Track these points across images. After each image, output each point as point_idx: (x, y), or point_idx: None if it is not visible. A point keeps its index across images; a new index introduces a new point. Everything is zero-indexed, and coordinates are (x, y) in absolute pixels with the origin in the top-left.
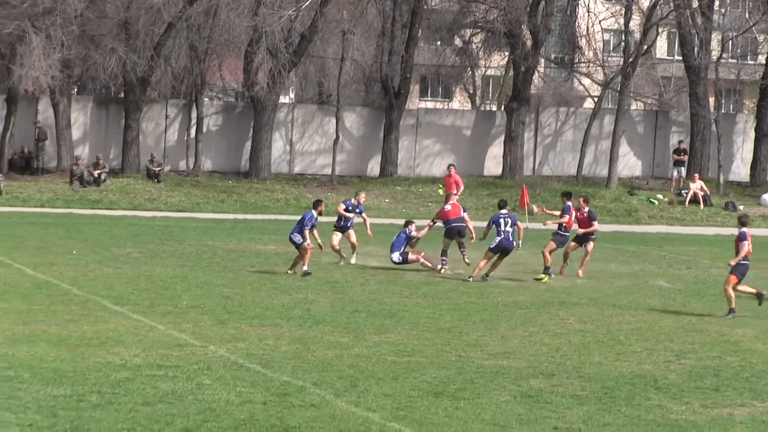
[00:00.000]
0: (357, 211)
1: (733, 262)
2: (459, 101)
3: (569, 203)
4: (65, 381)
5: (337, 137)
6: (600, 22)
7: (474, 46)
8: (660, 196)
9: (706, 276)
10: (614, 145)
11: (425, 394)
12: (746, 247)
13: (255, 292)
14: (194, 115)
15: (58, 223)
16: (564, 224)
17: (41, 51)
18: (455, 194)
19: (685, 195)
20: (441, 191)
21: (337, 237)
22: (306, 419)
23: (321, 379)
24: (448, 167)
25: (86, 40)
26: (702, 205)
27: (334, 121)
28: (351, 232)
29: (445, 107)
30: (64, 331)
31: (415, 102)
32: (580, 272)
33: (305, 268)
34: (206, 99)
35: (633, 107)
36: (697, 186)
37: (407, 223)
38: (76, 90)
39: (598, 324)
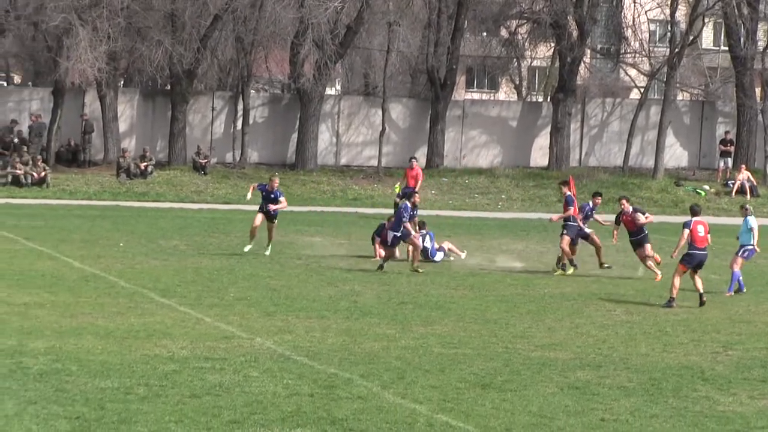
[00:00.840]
0: (272, 196)
1: (674, 254)
2: (505, 92)
3: (569, 193)
4: (112, 373)
5: (384, 129)
6: (646, 12)
7: (520, 37)
8: (706, 187)
9: (753, 267)
10: (660, 135)
11: (472, 385)
12: (685, 236)
13: (302, 284)
14: (240, 107)
15: (104, 216)
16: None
17: (88, 43)
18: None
19: (731, 186)
20: (397, 188)
21: (259, 218)
22: (353, 411)
23: (368, 371)
24: (410, 160)
25: (132, 33)
26: (749, 196)
27: (380, 112)
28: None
29: (491, 98)
30: (111, 324)
31: (461, 93)
32: (658, 276)
33: (416, 264)
34: (252, 91)
35: (679, 98)
36: (743, 177)
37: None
38: (122, 82)
39: (645, 315)
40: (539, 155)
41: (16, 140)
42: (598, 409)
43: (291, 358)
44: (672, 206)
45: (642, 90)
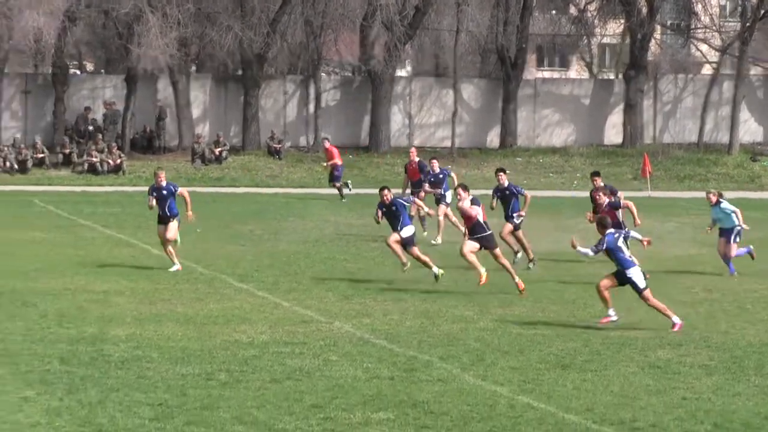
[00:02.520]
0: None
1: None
2: (576, 70)
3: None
4: (193, 360)
5: (456, 109)
6: None
7: (589, 14)
8: None
9: None
10: (735, 111)
11: (552, 366)
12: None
13: (378, 267)
14: (312, 90)
15: (181, 202)
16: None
17: (158, 30)
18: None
19: None
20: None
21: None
22: (434, 394)
23: (447, 354)
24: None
25: (202, 18)
26: None
27: (451, 93)
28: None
29: (563, 77)
30: (190, 310)
31: (532, 72)
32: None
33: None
34: (323, 74)
35: (752, 72)
36: None
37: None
38: (194, 68)
39: (725, 292)
40: (612, 133)
41: (91, 128)
42: (680, 388)
43: (370, 341)
44: (749, 181)
45: (714, 65)
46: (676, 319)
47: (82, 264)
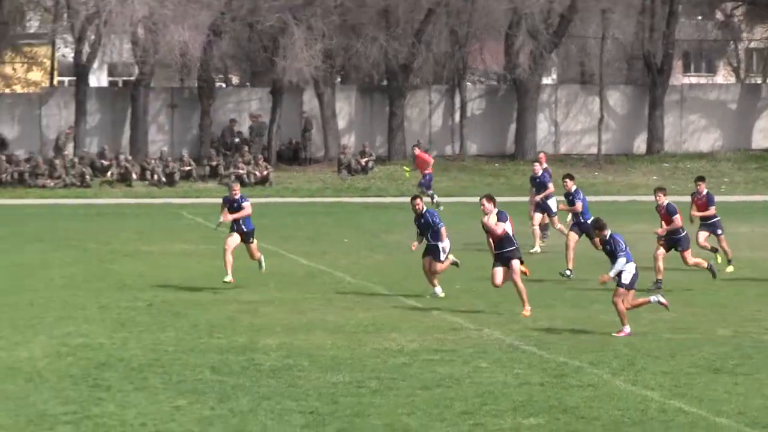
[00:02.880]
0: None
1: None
2: (723, 75)
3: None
4: (344, 368)
5: (602, 116)
6: None
7: (736, 19)
8: None
9: None
10: None
11: (703, 370)
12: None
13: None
14: (457, 99)
15: (328, 212)
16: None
17: (303, 42)
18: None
19: None
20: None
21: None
22: (584, 399)
23: (597, 359)
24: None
25: (347, 30)
26: None
27: (597, 100)
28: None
29: (709, 82)
30: (340, 319)
31: (678, 78)
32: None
33: None
34: (469, 83)
35: None
36: None
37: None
38: (339, 80)
39: None
40: (760, 137)
41: (237, 140)
42: None
43: (520, 347)
44: None
45: None
46: (627, 328)
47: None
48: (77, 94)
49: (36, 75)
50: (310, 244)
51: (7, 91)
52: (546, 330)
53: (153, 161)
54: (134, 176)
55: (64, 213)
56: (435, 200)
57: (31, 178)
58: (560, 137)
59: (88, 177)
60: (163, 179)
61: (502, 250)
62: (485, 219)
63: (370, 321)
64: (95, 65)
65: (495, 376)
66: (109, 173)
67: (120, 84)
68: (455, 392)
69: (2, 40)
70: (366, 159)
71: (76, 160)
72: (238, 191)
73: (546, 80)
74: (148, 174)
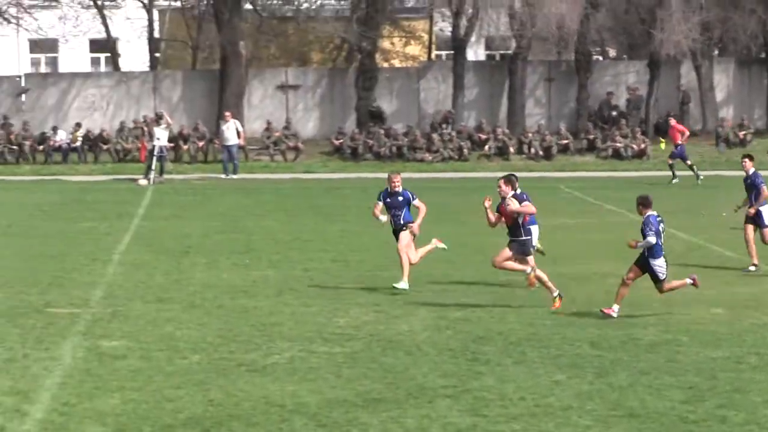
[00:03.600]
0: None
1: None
2: None
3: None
4: (723, 343)
5: None
6: None
7: None
8: None
9: None
10: None
11: None
12: None
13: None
14: None
15: (707, 185)
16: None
17: (680, 14)
18: None
19: None
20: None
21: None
22: None
23: None
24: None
25: (724, 2)
26: None
27: None
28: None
29: None
30: (718, 294)
31: None
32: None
33: None
34: None
35: None
36: None
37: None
38: (717, 52)
39: None
40: None
41: (614, 114)
42: None
43: None
44: None
45: None
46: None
47: (609, 248)
48: (455, 67)
49: (414, 49)
50: (688, 219)
51: (386, 65)
52: None
53: (530, 135)
54: (511, 150)
55: (441, 186)
56: (696, 171)
57: (410, 152)
58: None
59: (465, 151)
60: (541, 153)
61: (513, 237)
62: (510, 206)
63: (749, 296)
64: (473, 39)
65: None
66: (486, 147)
67: (497, 57)
68: None
69: (381, 15)
70: (744, 132)
71: (453, 134)
72: None
73: None
74: (525, 147)
